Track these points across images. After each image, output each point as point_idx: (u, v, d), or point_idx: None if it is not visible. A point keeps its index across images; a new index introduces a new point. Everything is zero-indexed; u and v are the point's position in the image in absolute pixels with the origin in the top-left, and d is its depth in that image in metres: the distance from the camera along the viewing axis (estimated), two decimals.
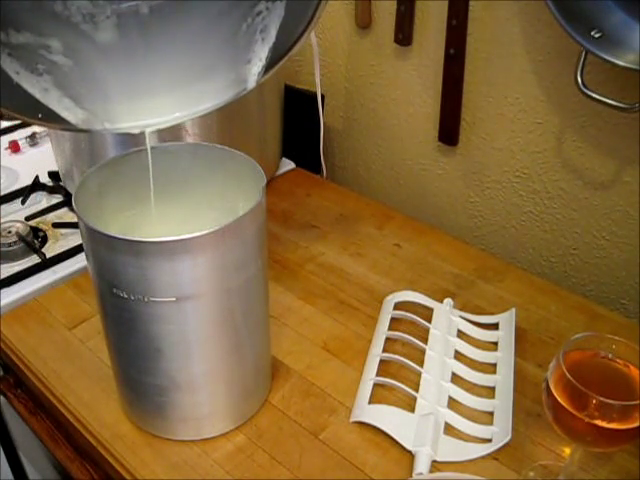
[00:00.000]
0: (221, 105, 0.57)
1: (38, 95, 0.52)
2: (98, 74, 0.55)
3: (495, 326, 0.77)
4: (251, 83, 0.56)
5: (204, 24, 0.56)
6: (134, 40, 0.56)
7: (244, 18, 0.55)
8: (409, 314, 0.77)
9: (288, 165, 1.10)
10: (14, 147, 1.15)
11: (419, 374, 0.70)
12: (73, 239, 0.92)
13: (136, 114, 0.56)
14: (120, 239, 0.52)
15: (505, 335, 0.75)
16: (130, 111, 0.56)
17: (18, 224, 0.92)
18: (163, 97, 0.57)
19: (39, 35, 0.52)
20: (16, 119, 0.52)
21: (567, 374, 0.51)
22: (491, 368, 0.72)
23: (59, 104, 0.53)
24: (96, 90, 0.55)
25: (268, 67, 0.55)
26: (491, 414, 0.66)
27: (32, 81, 0.52)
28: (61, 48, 0.53)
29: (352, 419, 0.66)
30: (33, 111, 0.52)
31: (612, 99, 0.72)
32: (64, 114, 0.53)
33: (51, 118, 0.53)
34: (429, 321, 0.77)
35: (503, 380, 0.69)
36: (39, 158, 1.12)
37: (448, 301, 0.79)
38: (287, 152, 1.11)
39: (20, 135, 1.18)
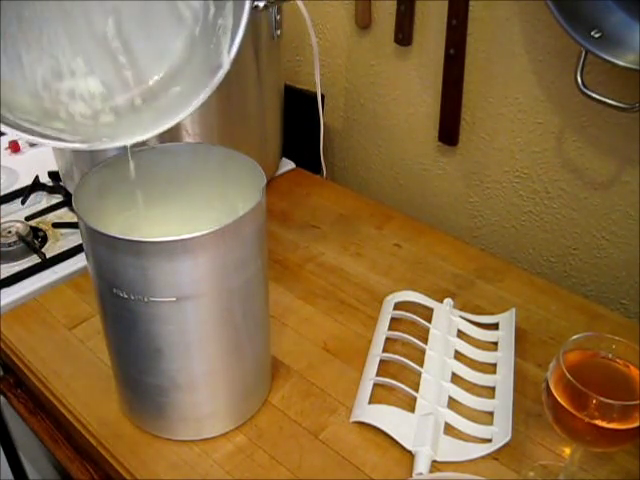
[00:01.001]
0: (204, 99, 0.60)
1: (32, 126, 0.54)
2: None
3: (495, 326, 0.77)
4: (226, 65, 0.59)
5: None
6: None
7: (211, 41, 0.60)
8: (409, 314, 0.77)
9: (288, 165, 1.10)
10: (14, 147, 1.15)
11: (419, 374, 0.70)
12: (73, 239, 0.92)
13: (125, 131, 0.58)
14: (120, 239, 0.52)
15: (505, 335, 0.75)
16: (121, 131, 0.59)
17: (18, 224, 0.92)
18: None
19: (43, 121, 0.56)
20: None
21: (567, 374, 0.51)
22: (491, 368, 0.72)
23: (53, 132, 0.56)
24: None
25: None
26: (491, 414, 0.66)
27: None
28: (64, 127, 0.57)
29: (352, 419, 0.66)
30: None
31: (612, 99, 0.72)
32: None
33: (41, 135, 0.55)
34: (429, 321, 0.77)
35: (503, 380, 0.69)
36: (39, 158, 1.12)
37: (448, 301, 0.79)
38: (287, 152, 1.11)
39: None
